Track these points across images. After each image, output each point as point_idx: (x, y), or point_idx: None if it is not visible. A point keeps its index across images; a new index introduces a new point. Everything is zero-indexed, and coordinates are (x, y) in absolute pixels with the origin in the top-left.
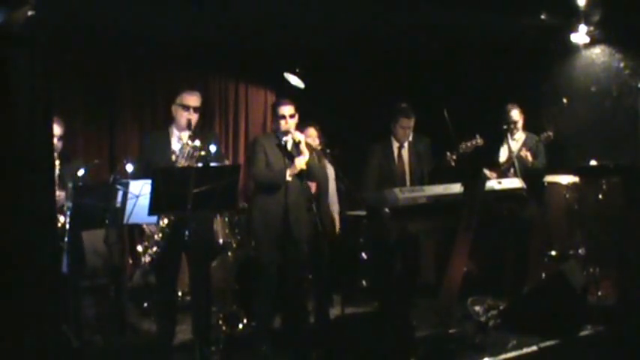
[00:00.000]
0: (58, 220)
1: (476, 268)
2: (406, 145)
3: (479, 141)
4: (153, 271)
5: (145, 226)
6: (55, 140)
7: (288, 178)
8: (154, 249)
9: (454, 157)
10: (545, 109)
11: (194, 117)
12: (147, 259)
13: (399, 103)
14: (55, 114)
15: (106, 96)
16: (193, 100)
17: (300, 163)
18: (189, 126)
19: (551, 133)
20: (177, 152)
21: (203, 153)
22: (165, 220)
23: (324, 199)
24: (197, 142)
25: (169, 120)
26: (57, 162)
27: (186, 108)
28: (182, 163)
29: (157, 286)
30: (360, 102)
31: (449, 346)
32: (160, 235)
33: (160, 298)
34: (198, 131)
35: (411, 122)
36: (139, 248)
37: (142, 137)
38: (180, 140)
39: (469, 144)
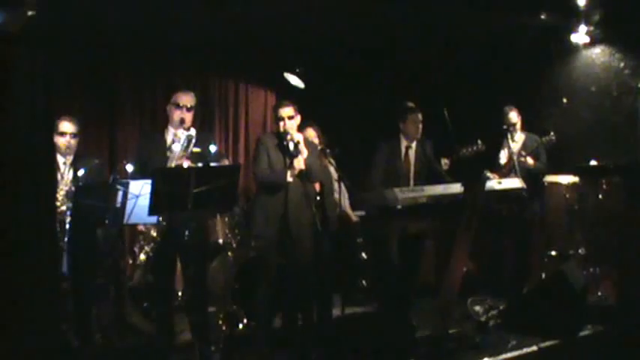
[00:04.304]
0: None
1: (476, 268)
2: (414, 145)
3: (480, 147)
4: (150, 271)
5: (140, 226)
6: (69, 138)
7: (289, 179)
8: (151, 245)
9: (447, 161)
10: (545, 109)
11: (187, 115)
12: (142, 257)
13: (403, 102)
14: (65, 114)
15: (106, 96)
16: (186, 99)
17: (299, 163)
18: (181, 123)
19: (553, 137)
20: (172, 142)
21: (197, 150)
22: (162, 219)
23: (329, 199)
24: (192, 131)
25: (169, 120)
26: (70, 159)
27: (179, 107)
28: (179, 152)
29: (153, 287)
30: (360, 102)
31: (449, 346)
32: (155, 234)
33: (157, 298)
34: (196, 132)
35: (420, 116)
36: (136, 249)
37: (139, 138)
38: (174, 137)
39: (470, 149)
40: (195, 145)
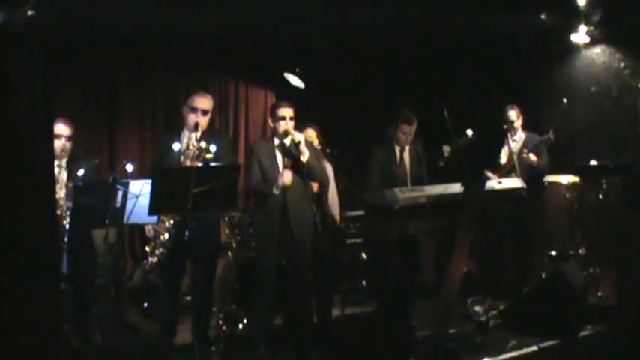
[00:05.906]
0: (60, 220)
1: (476, 268)
2: (407, 148)
3: (471, 135)
4: (158, 272)
5: (149, 227)
6: (64, 140)
7: (276, 192)
8: (161, 250)
9: (440, 160)
10: (545, 109)
11: (202, 119)
12: (154, 259)
13: (400, 108)
14: (60, 115)
15: (106, 96)
16: (202, 102)
17: (288, 178)
18: (196, 128)
19: (552, 136)
20: (182, 152)
21: (209, 156)
22: (171, 221)
23: (325, 199)
24: (202, 144)
25: (169, 120)
26: (64, 161)
27: (195, 110)
28: (187, 164)
29: (161, 287)
30: (360, 102)
31: (449, 346)
32: (166, 235)
33: (164, 298)
34: (206, 133)
35: (412, 128)
36: (147, 248)
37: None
38: (188, 141)
39: (462, 139)
40: (207, 152)
